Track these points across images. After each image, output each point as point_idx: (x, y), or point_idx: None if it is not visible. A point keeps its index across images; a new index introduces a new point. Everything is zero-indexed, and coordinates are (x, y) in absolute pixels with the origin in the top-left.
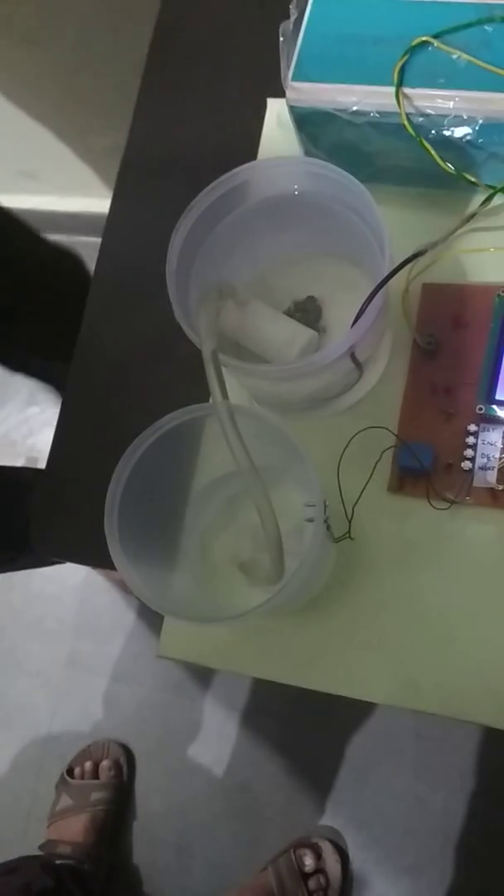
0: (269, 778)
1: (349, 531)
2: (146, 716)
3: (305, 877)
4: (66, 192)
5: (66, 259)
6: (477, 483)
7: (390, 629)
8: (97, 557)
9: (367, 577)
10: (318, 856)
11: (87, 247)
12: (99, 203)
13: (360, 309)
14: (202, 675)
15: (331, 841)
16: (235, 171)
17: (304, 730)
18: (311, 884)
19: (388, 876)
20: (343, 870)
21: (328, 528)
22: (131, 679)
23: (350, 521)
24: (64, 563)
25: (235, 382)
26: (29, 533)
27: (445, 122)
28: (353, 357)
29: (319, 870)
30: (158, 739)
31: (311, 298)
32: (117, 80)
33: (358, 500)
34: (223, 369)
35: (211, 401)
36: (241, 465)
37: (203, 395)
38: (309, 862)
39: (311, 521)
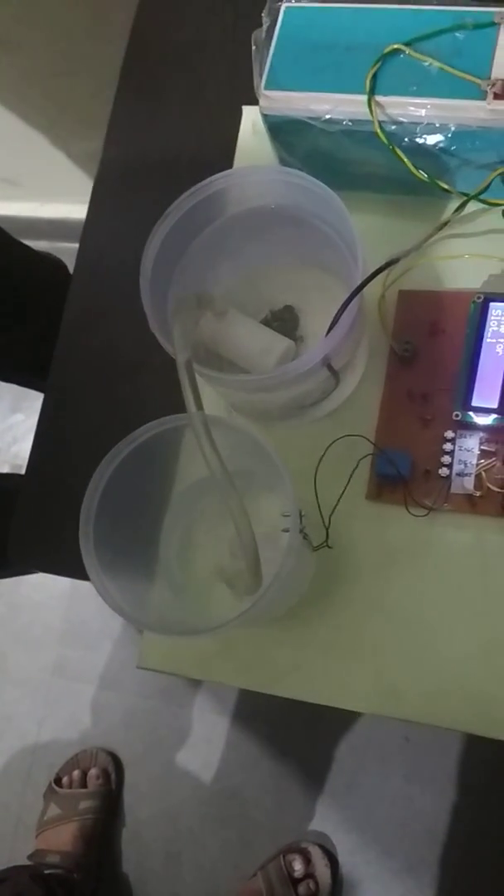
0: (258, 783)
1: (327, 540)
2: (134, 723)
3: (295, 882)
4: (48, 199)
5: (45, 262)
6: (454, 489)
7: (370, 637)
8: (76, 569)
9: (347, 585)
10: (308, 861)
11: (70, 253)
12: (81, 209)
13: (334, 318)
14: (189, 682)
15: (320, 846)
16: (209, 180)
17: (293, 734)
18: (301, 889)
19: (378, 879)
20: (332, 874)
21: (305, 537)
22: (119, 686)
23: (328, 530)
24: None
25: (213, 391)
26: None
27: (418, 129)
28: (328, 366)
29: (309, 875)
30: (146, 746)
31: (288, 307)
32: (97, 86)
33: (335, 508)
34: (199, 378)
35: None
36: (216, 476)
37: (183, 402)
38: (298, 867)
39: (287, 531)
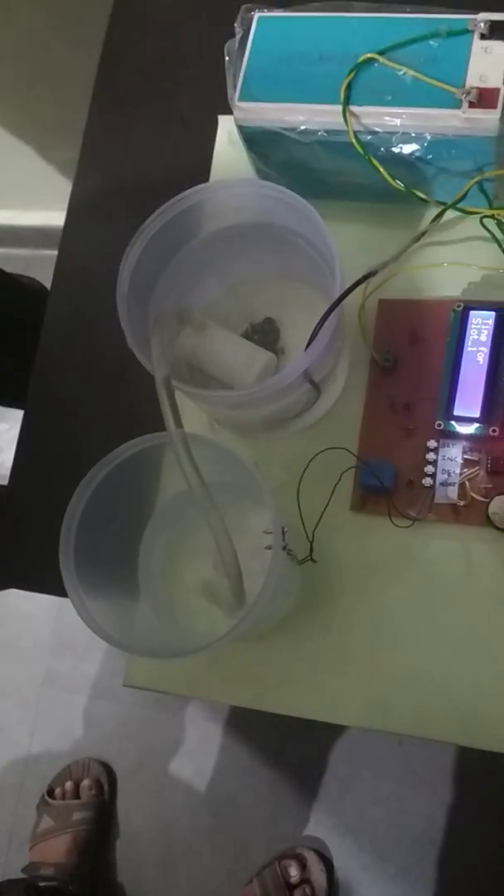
0: (252, 790)
1: (311, 553)
2: (126, 732)
3: (291, 888)
4: (28, 206)
5: (19, 288)
6: (438, 499)
7: (357, 651)
8: (58, 588)
9: (332, 598)
10: (304, 866)
11: (50, 260)
12: (60, 216)
13: (313, 332)
14: None
15: (315, 851)
16: (183, 195)
17: (286, 741)
18: (297, 895)
19: (374, 883)
20: (328, 879)
21: (289, 553)
22: (110, 696)
23: (311, 544)
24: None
25: (194, 404)
26: None
27: (393, 139)
28: (309, 379)
29: (305, 880)
30: (139, 756)
31: (268, 320)
32: (72, 95)
33: (318, 522)
34: (180, 394)
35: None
36: (197, 496)
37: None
38: (294, 873)
39: (269, 548)
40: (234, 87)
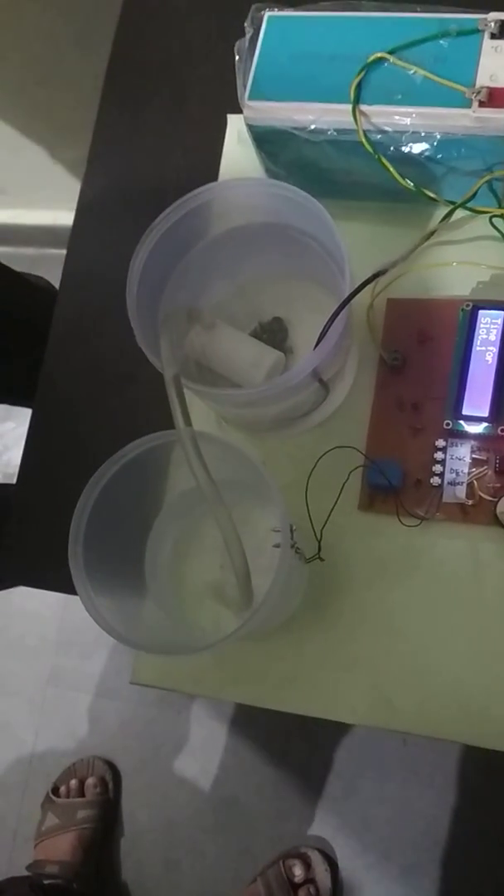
0: (257, 789)
1: (319, 552)
2: (131, 731)
3: (295, 887)
4: (35, 205)
5: (30, 288)
6: (446, 499)
7: (363, 649)
8: (66, 585)
9: (340, 597)
10: (308, 866)
11: (58, 259)
12: (67, 216)
13: (322, 331)
14: None
15: (320, 850)
16: (194, 193)
17: (291, 740)
18: (301, 894)
19: (379, 883)
20: (333, 879)
21: (297, 551)
22: (115, 694)
23: (320, 542)
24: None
25: (203, 402)
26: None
27: (403, 138)
28: (317, 378)
29: (309, 880)
30: (144, 754)
31: (276, 319)
32: (81, 94)
33: (327, 520)
34: (188, 392)
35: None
36: (205, 493)
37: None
38: (298, 872)
39: (278, 546)
40: (244, 86)
